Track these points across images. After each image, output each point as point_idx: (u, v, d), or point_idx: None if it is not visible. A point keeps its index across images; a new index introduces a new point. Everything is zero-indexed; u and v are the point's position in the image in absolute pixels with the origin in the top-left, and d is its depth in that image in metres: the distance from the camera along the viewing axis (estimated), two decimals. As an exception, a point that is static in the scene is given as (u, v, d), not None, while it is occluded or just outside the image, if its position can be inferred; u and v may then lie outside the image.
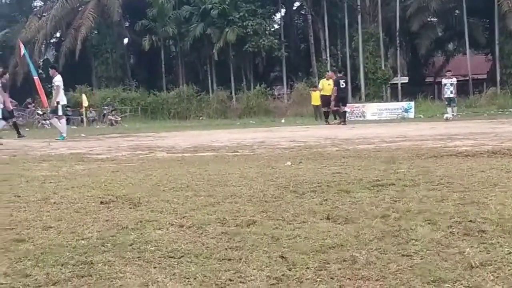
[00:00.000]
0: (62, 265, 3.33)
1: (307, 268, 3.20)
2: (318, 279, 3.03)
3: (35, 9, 63.85)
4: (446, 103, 30.11)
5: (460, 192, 5.38)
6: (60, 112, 19.69)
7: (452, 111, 29.89)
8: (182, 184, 6.55)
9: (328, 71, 35.73)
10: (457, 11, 52.74)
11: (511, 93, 43.47)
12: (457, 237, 3.71)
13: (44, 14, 58.81)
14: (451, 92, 29.81)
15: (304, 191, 5.73)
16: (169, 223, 4.37)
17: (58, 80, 19.67)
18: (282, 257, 3.39)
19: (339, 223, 4.23)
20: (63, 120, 19.72)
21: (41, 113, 42.15)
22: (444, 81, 30.63)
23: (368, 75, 51.38)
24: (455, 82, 30.45)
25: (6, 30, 60.04)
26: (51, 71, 20.58)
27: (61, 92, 19.87)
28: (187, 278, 3.08)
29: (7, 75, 21.83)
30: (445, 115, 29.28)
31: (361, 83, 51.24)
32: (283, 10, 60.04)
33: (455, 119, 27.91)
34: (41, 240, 3.96)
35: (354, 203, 5.01)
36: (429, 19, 53.49)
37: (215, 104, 50.81)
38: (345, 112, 28.59)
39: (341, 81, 28.37)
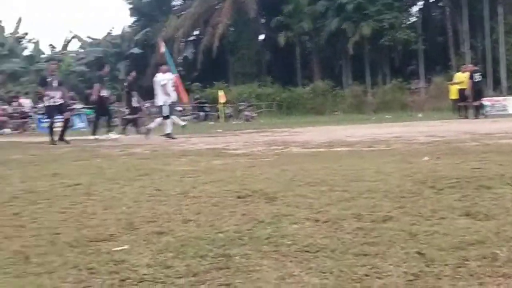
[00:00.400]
0: (201, 257, 3.41)
1: (446, 264, 3.12)
2: (457, 276, 2.96)
3: (174, 8, 65.73)
4: None
5: None
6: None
7: None
8: (317, 179, 6.54)
9: (463, 64, 34.70)
10: None
11: None
12: None
13: (182, 12, 60.40)
14: None
15: (442, 187, 5.59)
16: (304, 218, 4.37)
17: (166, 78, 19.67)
18: (419, 253, 3.33)
19: (479, 220, 4.10)
20: (167, 120, 19.44)
21: (180, 109, 43.28)
22: None
23: (510, 68, 49.62)
24: None
25: (147, 29, 62.16)
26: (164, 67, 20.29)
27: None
28: (323, 273, 3.08)
29: (133, 73, 22.24)
30: None
31: (503, 76, 49.52)
32: (420, 3, 58.93)
33: None
34: (181, 233, 4.06)
35: (495, 199, 4.85)
36: None
37: (350, 99, 50.56)
38: (480, 105, 27.79)
39: (475, 75, 27.59)
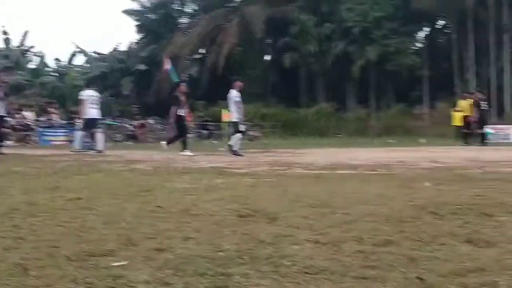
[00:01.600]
0: (200, 275, 3.40)
1: (445, 291, 3.12)
2: (456, 303, 2.95)
3: (181, 26, 66.01)
4: None
5: None
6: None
7: None
8: (319, 200, 6.54)
9: (466, 92, 34.76)
10: None
11: None
12: None
13: (189, 30, 60.67)
14: None
15: (443, 213, 5.59)
16: (305, 239, 4.37)
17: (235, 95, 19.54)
18: (419, 278, 3.32)
19: (480, 247, 4.10)
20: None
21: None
22: None
23: (514, 96, 49.77)
24: None
25: (153, 46, 62.44)
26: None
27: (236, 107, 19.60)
28: (322, 295, 3.07)
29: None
30: None
31: (507, 104, 49.61)
32: (426, 29, 59.17)
33: None
34: (181, 250, 4.05)
35: (496, 227, 4.84)
36: None
37: (354, 122, 50.64)
38: (484, 133, 27.93)
39: (482, 103, 27.74)
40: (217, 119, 46.80)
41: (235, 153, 18.27)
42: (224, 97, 50.56)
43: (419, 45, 58.21)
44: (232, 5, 61.83)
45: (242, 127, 19.36)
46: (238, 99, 19.04)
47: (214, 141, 41.08)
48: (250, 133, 43.89)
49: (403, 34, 52.55)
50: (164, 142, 20.50)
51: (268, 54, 62.38)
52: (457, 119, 31.78)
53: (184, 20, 67.98)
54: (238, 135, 19.09)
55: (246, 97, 54.83)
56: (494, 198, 6.65)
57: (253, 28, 55.14)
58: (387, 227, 4.88)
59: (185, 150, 19.35)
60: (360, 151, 22.53)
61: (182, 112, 20.13)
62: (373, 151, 22.32)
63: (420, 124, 49.87)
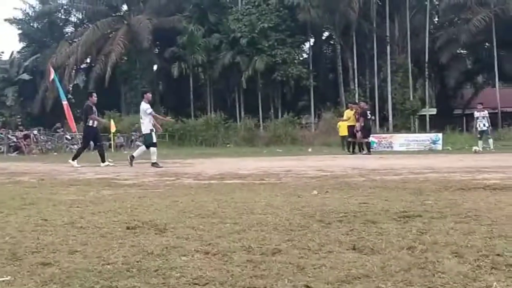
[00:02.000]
0: (87, 289, 3.34)
1: (332, 298, 3.18)
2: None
3: (66, 35, 64.74)
4: (478, 136, 29.29)
5: (487, 225, 5.34)
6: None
7: (487, 144, 29.25)
8: (208, 211, 6.56)
9: (351, 102, 35.65)
10: (487, 44, 52.74)
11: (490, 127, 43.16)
12: (484, 271, 3.67)
13: (75, 40, 59.59)
14: (484, 125, 29.12)
15: (330, 221, 5.71)
16: (194, 250, 4.36)
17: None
18: (307, 286, 3.37)
19: (365, 254, 4.20)
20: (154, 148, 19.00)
21: (69, 137, 42.43)
22: (476, 114, 29.75)
23: (396, 106, 51.38)
24: (487, 115, 29.81)
25: (37, 55, 60.97)
26: (145, 96, 19.51)
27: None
28: (211, 305, 3.07)
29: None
30: (474, 148, 29.05)
31: (389, 113, 51.15)
32: (312, 40, 60.26)
33: (487, 152, 27.63)
34: (67, 264, 3.97)
35: (380, 234, 4.98)
36: (458, 51, 53.52)
37: (243, 132, 50.87)
38: (369, 142, 28.72)
39: (368, 112, 28.54)
40: (104, 130, 46.11)
41: (154, 165, 18.04)
42: (110, 107, 49.84)
43: (305, 55, 59.20)
44: (118, 14, 61.13)
45: (155, 138, 19.03)
46: (150, 110, 18.77)
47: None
48: (138, 143, 43.44)
49: (290, 44, 53.25)
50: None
51: (156, 64, 61.98)
52: (342, 128, 32.48)
53: (69, 29, 66.70)
54: (153, 149, 18.84)
55: (134, 106, 54.47)
56: (378, 205, 6.84)
57: (140, 37, 54.66)
58: (276, 236, 4.94)
59: (74, 161, 18.97)
60: (248, 160, 22.67)
61: (90, 122, 19.66)
62: (262, 160, 22.51)
63: (307, 133, 50.67)
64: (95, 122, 19.91)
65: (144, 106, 18.82)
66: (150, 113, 18.72)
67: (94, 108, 19.74)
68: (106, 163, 19.10)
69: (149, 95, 19.50)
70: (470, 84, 62.21)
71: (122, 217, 6.19)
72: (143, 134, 19.51)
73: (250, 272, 3.70)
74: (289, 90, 55.30)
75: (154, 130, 19.03)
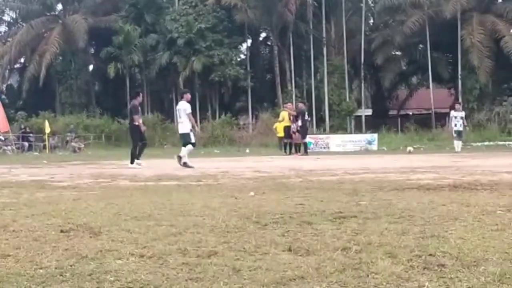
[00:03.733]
0: (19, 294, 3.28)
1: (267, 300, 3.18)
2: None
3: (0, 34, 63.42)
4: (455, 135, 29.17)
5: (421, 225, 5.43)
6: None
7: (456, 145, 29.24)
8: (144, 213, 6.52)
9: (285, 103, 35.88)
10: (421, 46, 53.65)
11: (473, 127, 44.07)
12: (417, 271, 3.73)
13: (8, 39, 58.43)
14: (461, 125, 28.99)
15: (266, 222, 5.72)
16: (129, 253, 4.33)
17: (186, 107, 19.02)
18: (242, 289, 3.38)
19: (300, 255, 4.22)
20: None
21: (3, 138, 41.59)
22: (453, 113, 29.34)
23: (333, 107, 51.86)
24: (464, 115, 29.73)
25: (-31, 55, 59.58)
26: (185, 96, 19.59)
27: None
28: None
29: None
30: (408, 148, 29.59)
31: (326, 114, 51.60)
32: (249, 41, 60.37)
33: (417, 152, 28.12)
34: (-1, 269, 3.90)
35: (316, 235, 5.01)
36: (393, 53, 54.32)
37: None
38: (306, 143, 28.92)
39: (305, 113, 28.79)
40: (39, 130, 45.44)
41: (185, 165, 17.82)
42: (46, 107, 49.04)
43: (243, 56, 59.23)
44: (53, 13, 60.15)
45: (193, 139, 19.04)
46: (189, 110, 18.71)
47: (35, 153, 39.79)
48: (73, 144, 42.90)
49: (227, 45, 53.18)
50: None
51: (91, 64, 61.23)
52: (279, 129, 32.69)
53: (2, 28, 65.33)
54: (190, 146, 18.73)
55: (69, 107, 53.76)
56: (314, 206, 6.90)
57: (75, 37, 53.88)
58: (212, 238, 4.93)
59: (133, 164, 18.92)
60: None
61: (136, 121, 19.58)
62: (199, 161, 22.46)
63: (245, 134, 50.72)
64: (140, 120, 19.93)
65: (185, 106, 18.89)
66: (188, 114, 18.80)
67: (139, 108, 20.00)
68: (134, 165, 18.83)
69: (189, 95, 19.65)
70: (405, 85, 63.18)
71: (56, 220, 6.10)
72: (182, 134, 19.35)
73: (186, 275, 3.68)
74: (227, 91, 55.31)
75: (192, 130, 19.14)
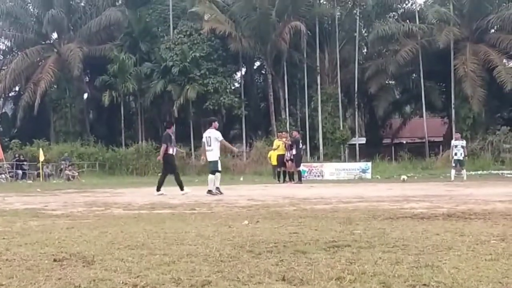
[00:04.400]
0: (11, 324, 3.27)
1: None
2: None
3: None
4: (453, 164, 29.48)
5: (415, 255, 5.42)
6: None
7: (461, 173, 29.43)
8: (137, 242, 6.50)
9: (280, 131, 35.95)
10: (414, 75, 53.93)
11: (467, 156, 44.15)
12: (411, 300, 3.72)
13: (3, 67, 58.47)
14: (461, 154, 29.31)
15: (260, 251, 5.71)
16: (122, 283, 4.31)
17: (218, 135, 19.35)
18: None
19: (294, 285, 4.21)
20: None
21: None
22: (453, 142, 29.94)
23: (327, 135, 51.92)
24: (464, 144, 30.17)
25: (-36, 83, 59.58)
26: (213, 124, 20.06)
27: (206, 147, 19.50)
28: None
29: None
30: (402, 177, 29.65)
31: (320, 142, 51.66)
32: (243, 69, 60.56)
33: (411, 181, 28.15)
34: (-9, 299, 3.88)
35: (310, 264, 5.00)
36: (387, 82, 54.49)
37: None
38: (300, 172, 28.90)
39: (301, 142, 28.83)
40: (33, 159, 45.38)
41: (210, 192, 18.26)
42: (41, 135, 48.88)
43: (237, 85, 59.32)
44: (48, 42, 60.22)
45: (219, 166, 19.54)
46: (221, 138, 19.17)
47: (29, 181, 39.69)
48: (67, 172, 42.81)
49: (221, 74, 53.27)
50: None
51: (86, 92, 61.25)
52: (273, 157, 32.71)
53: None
54: (218, 174, 19.17)
55: (63, 135, 53.66)
56: (308, 235, 6.89)
57: (70, 66, 53.94)
58: (206, 267, 4.92)
59: (159, 191, 19.08)
60: (179, 190, 22.55)
61: (170, 150, 19.82)
62: (193, 189, 22.41)
63: (239, 162, 50.68)
64: (174, 150, 20.29)
65: (216, 134, 19.28)
66: (221, 140, 19.34)
67: (172, 137, 20.11)
68: (185, 191, 18.96)
69: (217, 123, 20.19)
70: (398, 114, 63.36)
71: (49, 249, 6.08)
72: (211, 161, 19.45)
73: (179, 305, 3.67)
74: (221, 119, 55.31)
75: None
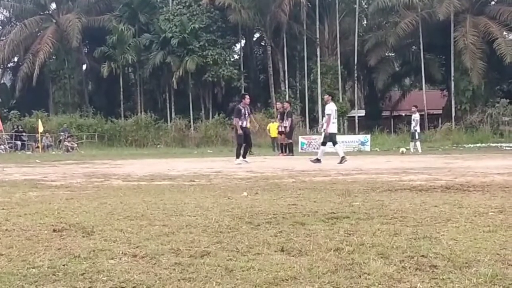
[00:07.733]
0: (11, 293, 3.28)
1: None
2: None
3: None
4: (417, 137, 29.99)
5: (413, 226, 5.43)
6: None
7: (415, 146, 29.85)
8: (137, 213, 6.51)
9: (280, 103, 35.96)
10: (414, 47, 53.76)
11: (465, 129, 44.16)
12: (409, 272, 3.73)
13: (2, 38, 58.25)
14: (413, 128, 29.81)
15: (259, 222, 5.72)
16: (122, 253, 4.32)
17: (330, 108, 19.38)
18: (235, 289, 3.38)
19: (293, 256, 4.22)
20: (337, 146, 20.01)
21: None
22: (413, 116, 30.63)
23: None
24: (418, 117, 30.52)
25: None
26: (325, 97, 20.30)
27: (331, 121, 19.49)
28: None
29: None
30: (401, 149, 29.70)
31: (319, 115, 51.63)
32: (243, 41, 60.36)
33: (410, 154, 28.21)
34: (-9, 268, 3.89)
35: (308, 235, 5.01)
36: (386, 54, 54.34)
37: (173, 133, 50.65)
38: (292, 143, 28.84)
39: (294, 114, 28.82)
40: (32, 130, 45.38)
41: (342, 160, 18.86)
42: (40, 107, 48.84)
43: (236, 57, 59.19)
44: (47, 12, 59.97)
45: (336, 139, 20.19)
46: (330, 112, 19.27)
47: (28, 152, 39.71)
48: (66, 143, 42.82)
49: (221, 45, 53.17)
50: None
51: (85, 63, 61.08)
52: (272, 129, 32.68)
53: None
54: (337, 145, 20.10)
55: (62, 106, 53.64)
56: (307, 207, 6.90)
57: (69, 36, 53.78)
58: (205, 238, 4.93)
59: (238, 159, 19.87)
60: (179, 161, 22.60)
61: (244, 123, 20.38)
62: (192, 161, 22.47)
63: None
64: (247, 122, 20.59)
65: (332, 106, 19.53)
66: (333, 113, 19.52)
67: (243, 111, 20.27)
68: (240, 160, 19.53)
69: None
70: (397, 87, 63.27)
71: (49, 219, 6.09)
72: (332, 133, 19.94)
73: (178, 275, 3.68)
74: (220, 91, 55.30)
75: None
